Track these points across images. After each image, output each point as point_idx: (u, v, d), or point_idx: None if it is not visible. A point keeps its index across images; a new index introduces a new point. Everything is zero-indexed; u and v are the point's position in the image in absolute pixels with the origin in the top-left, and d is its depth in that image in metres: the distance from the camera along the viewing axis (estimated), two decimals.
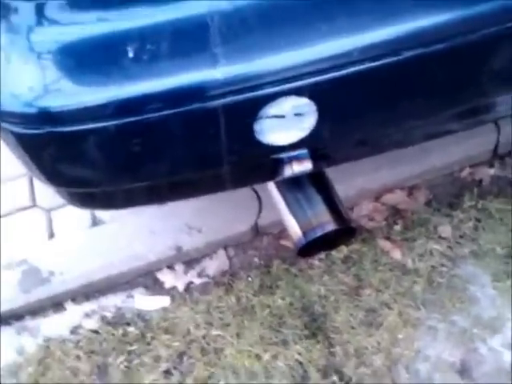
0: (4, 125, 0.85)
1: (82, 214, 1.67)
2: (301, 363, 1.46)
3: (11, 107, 0.81)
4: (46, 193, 1.72)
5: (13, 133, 0.85)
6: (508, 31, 0.89)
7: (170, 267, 1.65)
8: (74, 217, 1.67)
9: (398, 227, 1.66)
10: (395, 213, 1.70)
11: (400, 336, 1.49)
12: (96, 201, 1.06)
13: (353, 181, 1.67)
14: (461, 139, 1.61)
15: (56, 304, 1.60)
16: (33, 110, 0.81)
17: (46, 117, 0.82)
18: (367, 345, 1.48)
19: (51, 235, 1.67)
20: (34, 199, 1.75)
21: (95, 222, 1.68)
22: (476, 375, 1.42)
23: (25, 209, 1.73)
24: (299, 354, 1.47)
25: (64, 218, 1.69)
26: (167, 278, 1.63)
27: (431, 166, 1.73)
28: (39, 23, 0.81)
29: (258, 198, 1.67)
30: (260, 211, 1.66)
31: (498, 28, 0.89)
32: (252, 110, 0.85)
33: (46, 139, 0.85)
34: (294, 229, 1.19)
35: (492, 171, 1.77)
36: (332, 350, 1.48)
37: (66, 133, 0.84)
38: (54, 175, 0.96)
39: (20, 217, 1.72)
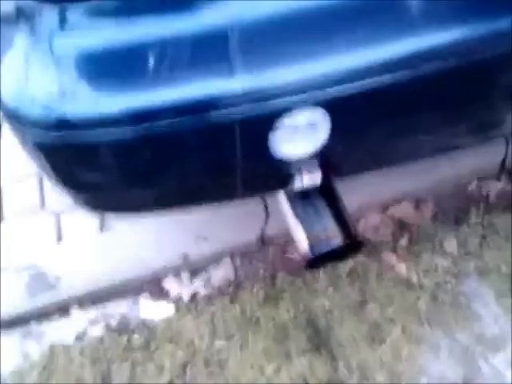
0: (23, 129, 0.86)
1: (91, 219, 1.67)
2: (304, 377, 1.46)
3: (30, 112, 0.83)
4: (56, 196, 1.74)
5: (31, 137, 0.86)
6: None
7: (176, 275, 1.65)
8: (82, 221, 1.68)
9: (403, 241, 1.67)
10: (401, 226, 1.70)
11: (403, 352, 1.49)
12: (109, 205, 1.08)
13: (360, 192, 1.66)
14: (470, 151, 1.60)
15: (62, 309, 1.60)
16: (52, 116, 0.83)
17: (64, 123, 0.83)
18: (370, 360, 1.48)
19: (59, 239, 1.68)
20: (43, 202, 1.76)
21: (103, 228, 1.69)
22: None
23: (34, 212, 1.74)
24: (302, 367, 1.47)
25: (72, 221, 1.70)
26: (173, 286, 1.64)
27: (439, 178, 1.73)
28: (61, 28, 0.82)
29: (265, 207, 1.67)
30: (267, 221, 1.66)
31: None
32: (268, 120, 0.87)
33: (64, 144, 0.87)
34: (302, 242, 1.20)
35: (499, 185, 1.78)
36: (335, 364, 1.48)
37: (83, 139, 0.85)
38: (69, 179, 0.97)
39: (29, 220, 1.72)
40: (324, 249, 1.18)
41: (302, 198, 1.21)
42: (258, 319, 1.57)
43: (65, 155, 0.91)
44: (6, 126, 1.91)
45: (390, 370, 1.46)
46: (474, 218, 1.70)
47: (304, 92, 0.85)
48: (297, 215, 1.23)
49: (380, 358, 1.49)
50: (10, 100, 0.85)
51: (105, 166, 0.92)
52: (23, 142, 0.92)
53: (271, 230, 1.66)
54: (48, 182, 1.74)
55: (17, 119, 0.87)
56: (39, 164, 0.98)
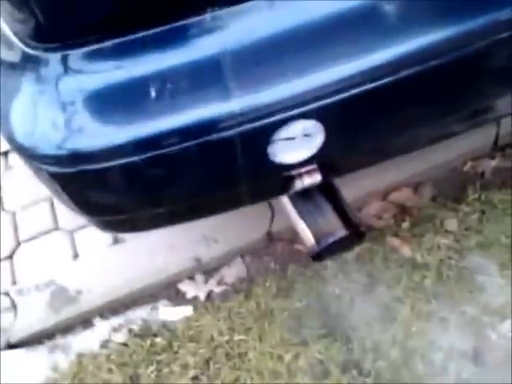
0: (39, 165, 0.92)
1: (104, 234, 1.72)
2: (321, 361, 1.53)
3: (46, 150, 0.89)
4: (68, 215, 1.80)
5: (47, 172, 0.92)
6: (504, 40, 0.95)
7: (191, 278, 1.72)
8: (95, 236, 1.74)
9: (405, 224, 1.72)
10: (402, 210, 1.76)
11: (413, 329, 1.56)
12: (123, 226, 1.14)
13: (360, 182, 1.71)
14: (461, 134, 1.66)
15: (85, 321, 1.68)
16: (65, 152, 0.89)
17: (76, 157, 0.89)
18: (383, 339, 1.55)
19: (75, 255, 1.75)
20: (56, 222, 1.83)
21: (116, 240, 1.76)
22: (488, 361, 1.49)
23: (48, 232, 1.81)
24: (319, 352, 1.54)
25: (86, 238, 1.77)
26: (188, 288, 1.71)
27: (435, 162, 1.78)
28: (65, 73, 0.88)
29: (270, 205, 1.73)
30: (273, 218, 1.72)
31: (494, 38, 0.95)
32: (265, 135, 0.92)
33: (78, 176, 0.92)
34: (308, 237, 1.26)
35: (493, 163, 1.82)
36: (350, 346, 1.55)
37: (94, 170, 0.91)
38: (85, 206, 1.03)
39: (44, 240, 1.79)
40: (329, 241, 1.23)
41: (302, 196, 1.26)
42: (272, 311, 1.63)
43: (77, 184, 0.97)
44: (12, 156, 2.00)
45: (402, 346, 1.53)
46: (471, 195, 1.74)
47: (295, 107, 0.90)
48: (299, 212, 1.28)
49: (392, 337, 1.55)
50: (22, 140, 0.91)
51: (117, 191, 0.98)
52: (42, 178, 0.98)
53: (277, 225, 1.72)
54: (59, 204, 1.82)
55: (30, 157, 0.93)
56: (58, 195, 1.04)
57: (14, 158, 2.03)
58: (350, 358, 1.53)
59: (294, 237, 1.73)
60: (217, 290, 1.70)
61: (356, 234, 1.25)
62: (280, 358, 1.55)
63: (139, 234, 1.70)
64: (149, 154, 0.89)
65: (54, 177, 0.93)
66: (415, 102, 1.02)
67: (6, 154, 2.06)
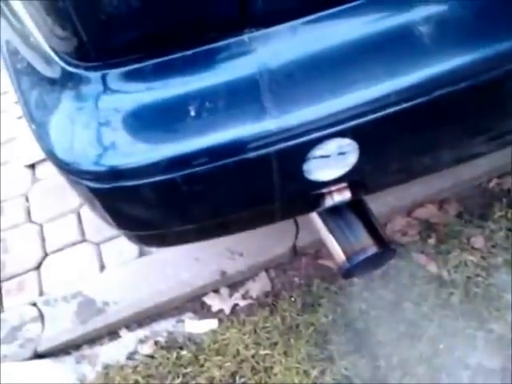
0: (78, 180, 0.94)
1: (130, 246, 1.75)
2: (348, 377, 1.53)
3: (86, 166, 0.90)
4: (95, 227, 1.83)
5: (87, 187, 0.94)
6: None
7: (216, 291, 1.73)
8: (122, 249, 1.77)
9: (431, 241, 1.73)
10: (428, 227, 1.76)
11: (441, 346, 1.55)
12: (157, 240, 1.15)
13: (384, 198, 1.73)
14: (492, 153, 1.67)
15: (111, 332, 1.69)
16: (104, 168, 0.90)
17: (115, 173, 0.90)
18: (410, 356, 1.54)
19: (102, 267, 1.77)
20: (83, 234, 1.85)
21: (142, 253, 1.77)
22: None
23: (75, 244, 1.84)
24: (345, 368, 1.54)
25: (113, 250, 1.79)
26: (214, 301, 1.71)
27: (460, 179, 1.79)
28: (105, 91, 0.90)
29: (295, 220, 1.74)
30: (297, 233, 1.73)
31: None
32: (302, 153, 0.93)
33: (116, 192, 0.94)
34: (338, 253, 1.25)
35: None
36: (376, 362, 1.55)
37: (133, 186, 0.92)
38: (121, 220, 1.04)
39: (71, 251, 1.82)
40: (360, 258, 1.23)
41: (332, 212, 1.27)
42: (298, 326, 1.63)
43: (115, 199, 0.99)
44: (39, 169, 2.04)
45: (429, 363, 1.53)
46: (498, 212, 1.75)
47: (331, 126, 0.91)
48: (329, 229, 1.28)
49: (419, 354, 1.55)
50: (63, 156, 0.93)
51: (154, 207, 0.99)
52: (76, 189, 1.00)
53: (302, 240, 1.73)
54: (86, 217, 1.86)
55: (70, 172, 0.94)
56: (91, 206, 1.05)
57: (42, 171, 2.06)
58: (376, 375, 1.53)
59: (318, 252, 1.74)
60: (242, 303, 1.70)
61: (387, 251, 1.25)
62: (306, 373, 1.55)
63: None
64: (185, 172, 0.90)
65: (93, 191, 0.95)
66: (448, 121, 1.02)
67: (33, 166, 2.09)
